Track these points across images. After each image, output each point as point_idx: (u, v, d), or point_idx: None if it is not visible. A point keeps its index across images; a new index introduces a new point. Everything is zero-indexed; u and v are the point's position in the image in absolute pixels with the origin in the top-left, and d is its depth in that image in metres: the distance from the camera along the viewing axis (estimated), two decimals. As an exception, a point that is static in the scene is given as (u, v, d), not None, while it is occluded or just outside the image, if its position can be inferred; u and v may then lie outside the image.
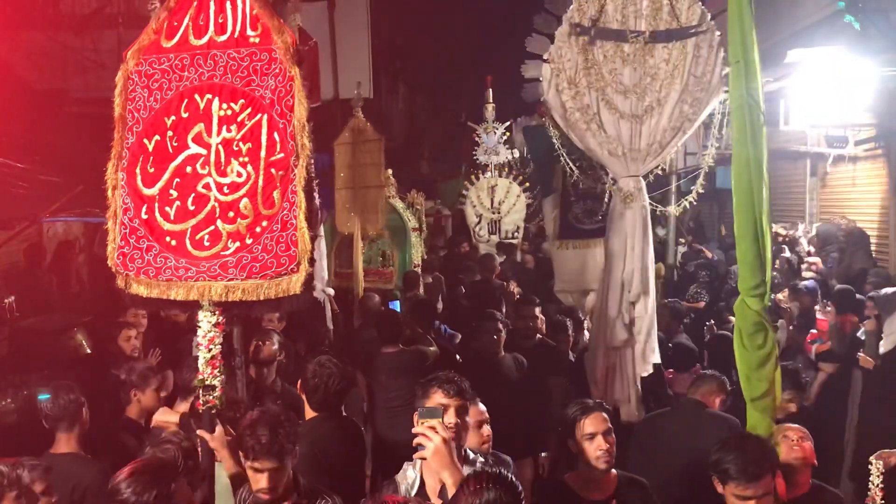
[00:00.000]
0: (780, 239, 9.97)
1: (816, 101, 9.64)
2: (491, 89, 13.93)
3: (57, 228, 10.08)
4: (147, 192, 3.30)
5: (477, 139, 13.84)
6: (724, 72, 4.50)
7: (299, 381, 3.95)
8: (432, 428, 2.48)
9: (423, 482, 2.86)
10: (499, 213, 13.15)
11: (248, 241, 3.18)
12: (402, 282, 9.14)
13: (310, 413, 3.84)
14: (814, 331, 7.10)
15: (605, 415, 3.28)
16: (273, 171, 3.20)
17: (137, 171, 3.31)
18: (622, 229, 4.82)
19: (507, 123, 13.88)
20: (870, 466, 2.89)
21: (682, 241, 12.26)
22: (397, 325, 5.75)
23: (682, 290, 9.74)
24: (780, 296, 8.12)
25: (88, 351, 5.71)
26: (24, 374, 4.97)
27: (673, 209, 4.97)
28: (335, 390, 3.81)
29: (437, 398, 2.87)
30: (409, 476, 2.88)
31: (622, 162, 4.76)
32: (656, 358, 4.92)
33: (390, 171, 9.98)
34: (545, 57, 4.83)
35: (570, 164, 5.42)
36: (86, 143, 8.64)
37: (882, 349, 5.70)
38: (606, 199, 6.99)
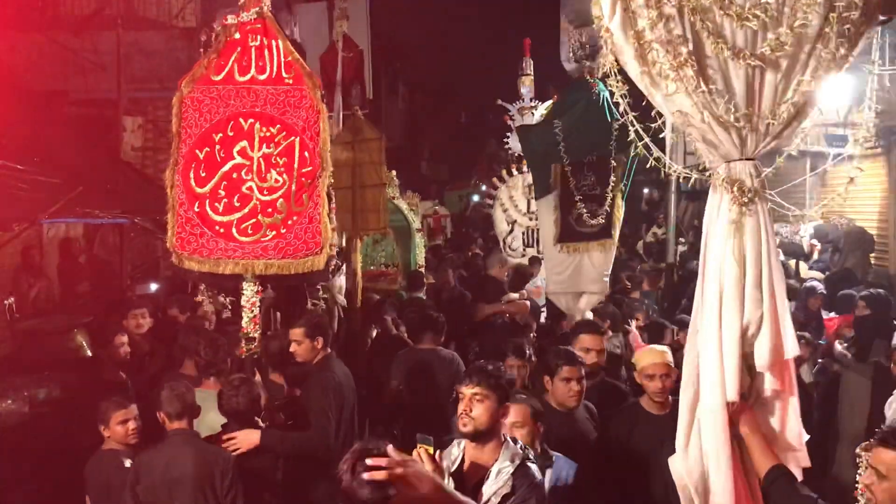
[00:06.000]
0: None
1: (816, 99, 9.61)
2: (530, 58, 10.84)
3: (57, 230, 10.08)
4: (199, 190, 4.26)
5: (509, 122, 10.79)
6: None
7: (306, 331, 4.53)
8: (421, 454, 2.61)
9: (463, 460, 2.98)
10: (538, 219, 9.70)
11: (283, 231, 4.21)
12: (406, 282, 9.14)
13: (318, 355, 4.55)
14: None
15: None
16: (303, 179, 4.22)
17: (191, 174, 4.27)
18: (738, 251, 2.76)
19: (549, 103, 9.82)
20: (858, 459, 2.79)
21: (682, 240, 12.19)
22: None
23: (682, 290, 9.69)
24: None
25: (89, 352, 5.69)
26: (24, 375, 4.96)
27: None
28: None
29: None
30: (452, 453, 3.02)
31: (734, 134, 2.75)
32: None
33: (394, 172, 9.87)
34: None
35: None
36: (85, 144, 8.66)
37: None
38: (610, 200, 6.99)
